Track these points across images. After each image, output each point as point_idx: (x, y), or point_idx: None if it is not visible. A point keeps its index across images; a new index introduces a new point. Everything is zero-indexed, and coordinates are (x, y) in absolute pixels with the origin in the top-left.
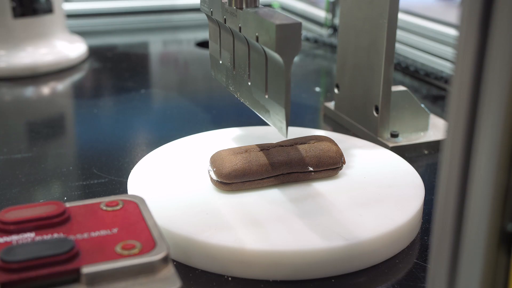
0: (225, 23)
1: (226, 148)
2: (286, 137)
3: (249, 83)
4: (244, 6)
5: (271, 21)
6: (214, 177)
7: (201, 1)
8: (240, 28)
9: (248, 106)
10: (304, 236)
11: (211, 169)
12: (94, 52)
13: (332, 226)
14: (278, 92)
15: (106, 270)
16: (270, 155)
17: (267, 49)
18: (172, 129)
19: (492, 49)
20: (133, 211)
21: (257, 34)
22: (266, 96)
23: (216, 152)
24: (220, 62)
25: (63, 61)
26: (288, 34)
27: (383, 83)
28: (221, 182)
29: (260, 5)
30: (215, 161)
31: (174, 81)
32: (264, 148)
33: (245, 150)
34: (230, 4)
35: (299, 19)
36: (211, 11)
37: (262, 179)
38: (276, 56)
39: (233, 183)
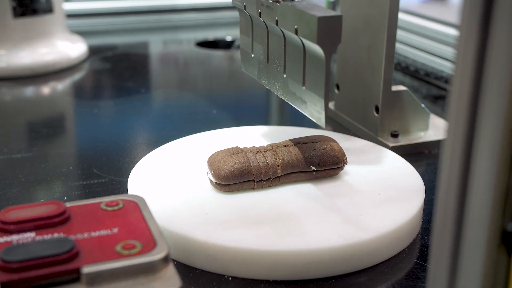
0: (260, 16)
1: (222, 149)
2: (325, 127)
3: (285, 76)
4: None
5: (312, 13)
6: (213, 179)
7: None
8: (277, 21)
9: (282, 98)
10: (304, 236)
11: (209, 171)
12: (94, 52)
13: (332, 226)
14: (317, 83)
15: (106, 270)
16: (274, 155)
17: (306, 42)
18: (172, 129)
19: (492, 49)
20: (133, 211)
21: (296, 27)
22: (304, 88)
23: (213, 154)
24: (252, 55)
25: (63, 61)
26: (329, 26)
27: (383, 83)
28: (220, 184)
29: None
30: (212, 163)
31: (174, 81)
32: (263, 149)
33: (241, 150)
34: None
35: None
36: (244, 5)
37: (262, 180)
38: (317, 48)
39: (232, 184)
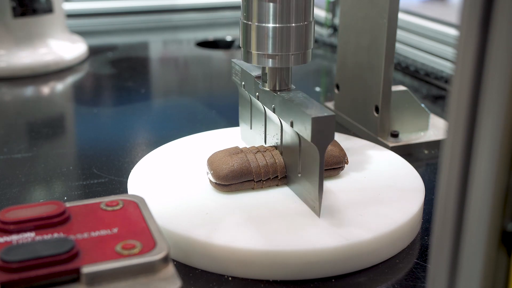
0: (258, 99)
1: (222, 149)
2: (319, 216)
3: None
4: (277, 88)
5: (306, 112)
6: (213, 180)
7: (233, 72)
8: (274, 109)
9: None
10: (304, 236)
11: (209, 172)
12: (94, 52)
13: (332, 226)
14: (311, 174)
15: (106, 270)
16: (272, 155)
17: (301, 135)
18: (172, 129)
19: (492, 49)
20: (133, 211)
21: (291, 120)
22: (299, 175)
23: (213, 154)
24: (250, 129)
25: (63, 61)
26: (323, 126)
27: (383, 83)
28: (219, 184)
29: (292, 86)
30: (212, 163)
31: (174, 81)
32: (263, 148)
33: (241, 150)
34: (263, 86)
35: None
36: (243, 85)
37: (262, 180)
38: (311, 144)
39: (232, 184)
